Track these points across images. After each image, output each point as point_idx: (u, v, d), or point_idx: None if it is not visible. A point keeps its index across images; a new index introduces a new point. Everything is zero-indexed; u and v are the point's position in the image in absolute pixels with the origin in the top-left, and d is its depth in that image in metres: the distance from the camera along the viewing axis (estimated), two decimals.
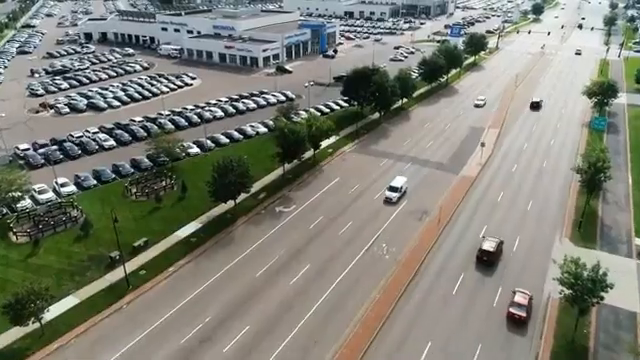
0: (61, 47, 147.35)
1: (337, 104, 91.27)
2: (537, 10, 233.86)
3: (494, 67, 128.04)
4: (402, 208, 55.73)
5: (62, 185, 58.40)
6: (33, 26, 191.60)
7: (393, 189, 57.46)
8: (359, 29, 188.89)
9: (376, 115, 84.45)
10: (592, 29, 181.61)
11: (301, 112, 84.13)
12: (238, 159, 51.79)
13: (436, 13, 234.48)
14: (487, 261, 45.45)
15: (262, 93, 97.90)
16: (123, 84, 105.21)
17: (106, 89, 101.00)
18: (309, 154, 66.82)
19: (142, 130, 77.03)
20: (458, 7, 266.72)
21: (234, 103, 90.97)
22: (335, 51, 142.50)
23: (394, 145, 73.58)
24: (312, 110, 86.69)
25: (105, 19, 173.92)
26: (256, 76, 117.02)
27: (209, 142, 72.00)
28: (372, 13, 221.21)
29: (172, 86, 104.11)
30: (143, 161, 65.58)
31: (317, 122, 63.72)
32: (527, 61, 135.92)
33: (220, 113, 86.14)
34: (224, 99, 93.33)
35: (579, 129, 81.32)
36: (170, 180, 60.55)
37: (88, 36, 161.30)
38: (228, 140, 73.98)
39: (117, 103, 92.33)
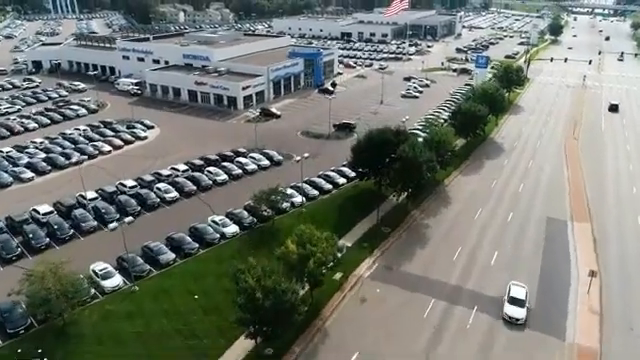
0: (2, 79, 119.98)
1: (341, 173, 64.33)
2: (555, 31, 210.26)
3: (534, 107, 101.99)
4: None
5: None
6: None
7: None
8: (359, 53, 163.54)
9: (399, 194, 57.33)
10: (636, 55, 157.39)
11: (291, 192, 57.19)
12: None
13: (443, 34, 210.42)
14: None
15: (237, 154, 70.83)
16: (51, 139, 77.68)
17: (25, 148, 73.61)
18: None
19: (43, 233, 49.40)
20: (464, 27, 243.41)
21: (195, 174, 63.66)
22: (333, 84, 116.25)
23: (438, 261, 46.29)
24: (306, 200, 59.56)
25: (59, 44, 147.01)
26: (234, 122, 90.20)
27: (140, 263, 44.39)
28: (372, 34, 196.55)
29: (117, 142, 76.60)
30: (13, 315, 37.63)
31: (318, 247, 36.42)
32: (570, 97, 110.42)
33: (172, 194, 58.61)
34: (182, 167, 65.85)
35: None
36: None
37: (38, 65, 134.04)
38: (173, 255, 46.27)
39: (29, 174, 64.52)
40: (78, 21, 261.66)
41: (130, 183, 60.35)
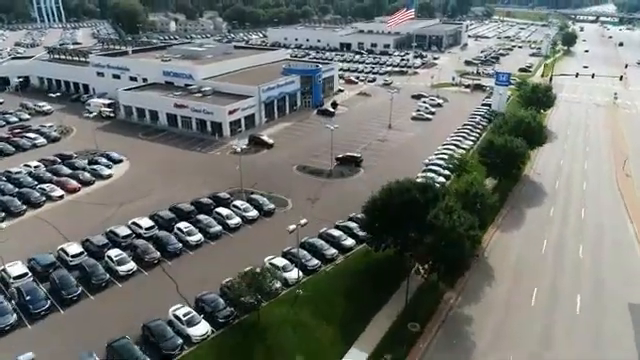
0: None
1: (348, 231, 50.45)
2: (568, 41, 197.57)
3: (566, 131, 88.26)
4: None
5: None
6: None
7: None
8: (360, 66, 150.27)
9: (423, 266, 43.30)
10: None
11: (283, 264, 43.41)
12: None
13: (448, 44, 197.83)
14: None
15: (217, 202, 56.76)
16: None
17: None
18: None
19: None
20: (470, 36, 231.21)
21: (161, 234, 49.53)
22: (334, 104, 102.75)
23: None
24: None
25: (31, 57, 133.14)
26: (218, 153, 76.24)
27: None
28: (374, 45, 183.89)
29: (72, 184, 62.34)
30: None
31: None
32: (604, 119, 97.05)
33: (127, 266, 44.36)
34: (146, 222, 51.67)
35: None
36: None
37: (5, 82, 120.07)
38: None
39: None
40: (64, 31, 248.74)
41: (74, 250, 46.08)
